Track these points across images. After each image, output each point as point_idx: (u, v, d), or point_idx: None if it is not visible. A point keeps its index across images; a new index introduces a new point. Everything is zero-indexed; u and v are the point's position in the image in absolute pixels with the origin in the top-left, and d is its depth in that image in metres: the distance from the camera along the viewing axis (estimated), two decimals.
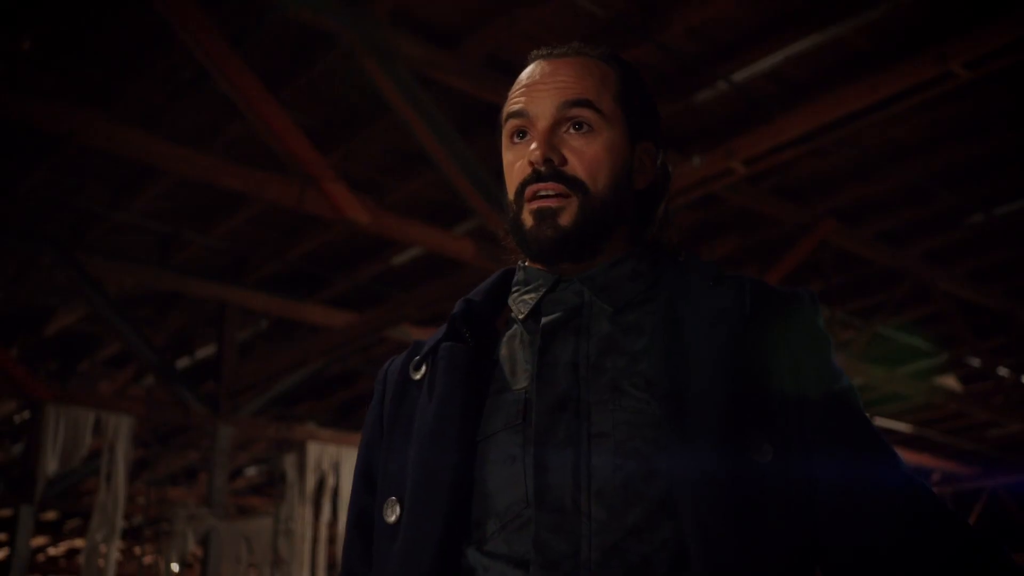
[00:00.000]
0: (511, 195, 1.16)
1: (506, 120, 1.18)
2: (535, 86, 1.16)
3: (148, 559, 13.64)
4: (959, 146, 5.50)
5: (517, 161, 1.16)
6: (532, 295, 1.15)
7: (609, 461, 0.99)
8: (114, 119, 4.56)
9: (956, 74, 4.11)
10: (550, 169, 1.11)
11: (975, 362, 8.50)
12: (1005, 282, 7.26)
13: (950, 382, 8.60)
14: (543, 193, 1.11)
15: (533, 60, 1.21)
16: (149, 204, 6.08)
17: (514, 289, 1.20)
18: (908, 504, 1.00)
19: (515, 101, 1.17)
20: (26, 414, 8.09)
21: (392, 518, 1.07)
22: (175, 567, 8.17)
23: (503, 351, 1.14)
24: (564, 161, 1.12)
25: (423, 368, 1.15)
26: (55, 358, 8.53)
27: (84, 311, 7.21)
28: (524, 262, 1.20)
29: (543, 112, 1.14)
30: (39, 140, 5.15)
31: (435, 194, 5.82)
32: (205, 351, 8.49)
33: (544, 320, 1.11)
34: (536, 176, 1.12)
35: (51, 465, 6.78)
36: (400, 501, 1.07)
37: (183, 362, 8.54)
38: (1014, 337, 8.10)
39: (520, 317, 1.16)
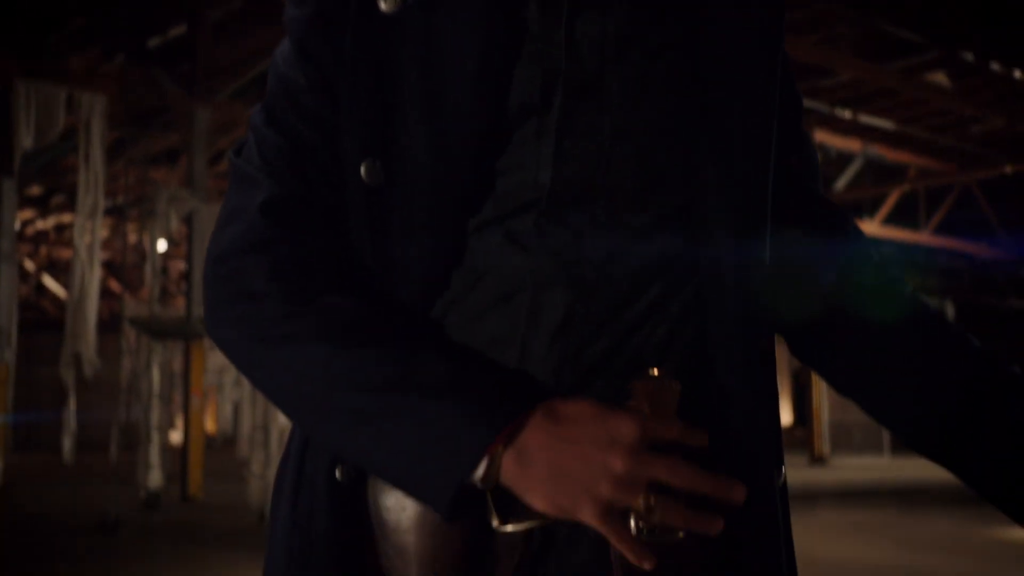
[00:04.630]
0: None
1: None
2: None
3: (133, 237, 13.93)
4: None
5: None
6: None
7: (632, 159, 0.91)
8: None
9: None
10: None
11: (968, 56, 8.34)
12: None
13: (939, 78, 8.50)
14: None
15: None
16: None
17: None
18: None
19: None
20: None
21: (374, 180, 0.90)
22: (161, 244, 8.35)
23: None
24: None
25: None
26: (24, 30, 8.23)
27: None
28: None
29: None
30: None
31: None
32: (177, 31, 8.19)
33: None
34: None
35: (26, 140, 6.73)
36: (383, 162, 0.90)
37: (154, 41, 8.26)
38: (1010, 29, 7.90)
39: None
